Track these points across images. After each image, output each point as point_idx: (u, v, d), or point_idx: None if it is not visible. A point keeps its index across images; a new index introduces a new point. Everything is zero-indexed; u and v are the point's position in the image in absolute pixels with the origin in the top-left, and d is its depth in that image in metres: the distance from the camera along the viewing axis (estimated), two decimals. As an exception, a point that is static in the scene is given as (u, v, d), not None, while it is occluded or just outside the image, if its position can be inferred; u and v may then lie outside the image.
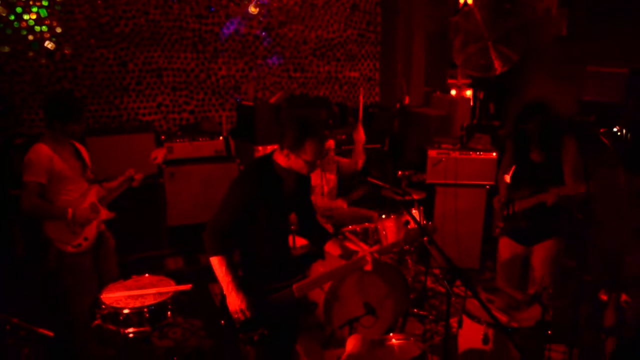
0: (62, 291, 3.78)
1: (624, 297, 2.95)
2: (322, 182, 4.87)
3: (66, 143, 3.81)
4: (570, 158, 3.75)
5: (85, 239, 3.76)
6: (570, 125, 4.12)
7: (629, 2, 5.51)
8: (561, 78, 6.35)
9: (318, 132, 2.80)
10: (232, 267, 2.88)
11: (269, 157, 2.96)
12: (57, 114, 3.67)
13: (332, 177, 4.94)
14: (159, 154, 4.16)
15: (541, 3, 6.47)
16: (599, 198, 3.58)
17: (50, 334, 2.67)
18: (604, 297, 3.02)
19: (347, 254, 3.10)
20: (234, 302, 2.85)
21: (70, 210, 3.66)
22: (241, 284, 2.89)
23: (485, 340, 3.17)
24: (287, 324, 3.11)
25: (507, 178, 3.93)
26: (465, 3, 6.83)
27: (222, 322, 2.97)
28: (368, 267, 3.02)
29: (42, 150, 3.64)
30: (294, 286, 2.96)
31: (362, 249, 3.11)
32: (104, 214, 3.87)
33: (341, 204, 5.00)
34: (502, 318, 3.23)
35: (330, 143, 4.84)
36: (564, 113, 5.72)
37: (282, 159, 2.89)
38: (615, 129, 4.53)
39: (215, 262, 2.85)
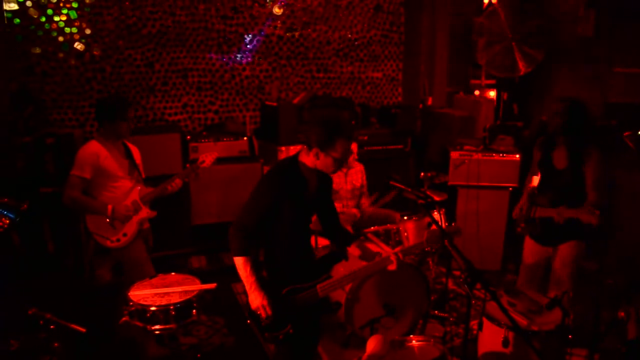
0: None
1: None
2: (347, 186, 4.91)
3: (118, 142, 3.98)
4: (593, 169, 3.69)
5: (125, 234, 3.90)
6: (592, 130, 4.08)
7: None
8: (586, 79, 6.29)
9: (347, 130, 2.85)
10: (255, 268, 2.93)
11: (294, 158, 3.01)
12: (105, 114, 3.86)
13: (357, 185, 4.98)
14: (207, 158, 4.14)
15: (567, 4, 6.42)
16: (622, 202, 3.54)
17: (83, 329, 2.75)
18: (622, 314, 3.00)
19: (369, 255, 3.14)
20: (255, 300, 2.91)
21: (110, 206, 3.82)
22: (264, 284, 2.94)
23: (505, 343, 3.19)
24: (310, 324, 3.16)
25: (536, 180, 3.91)
26: (490, 3, 6.80)
27: (248, 321, 3.03)
28: (392, 267, 3.06)
29: (91, 147, 3.84)
30: (318, 286, 3.00)
31: (386, 250, 3.15)
32: (145, 212, 3.99)
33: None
34: (522, 321, 3.24)
35: (354, 146, 4.87)
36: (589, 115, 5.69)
37: (309, 159, 2.94)
38: (640, 132, 4.48)
39: (240, 262, 2.91)
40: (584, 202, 3.63)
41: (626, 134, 4.13)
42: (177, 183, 4.04)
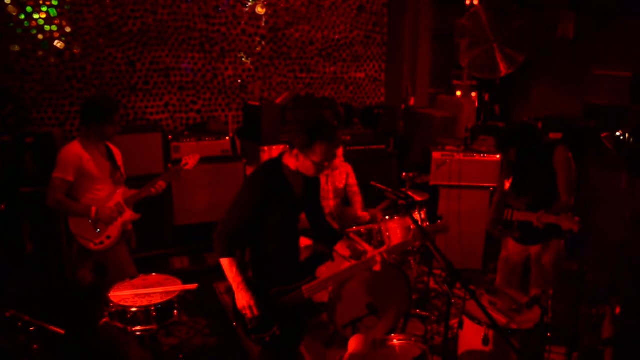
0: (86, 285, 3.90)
1: (618, 309, 2.98)
2: (329, 186, 4.92)
3: (100, 144, 3.93)
4: (563, 170, 3.73)
5: (108, 237, 3.87)
6: (572, 130, 4.13)
7: (636, 6, 5.53)
8: (567, 80, 6.38)
9: (328, 134, 2.83)
10: (242, 268, 2.93)
11: (278, 160, 3.01)
12: (94, 115, 3.79)
13: (340, 186, 5.00)
14: (190, 161, 4.11)
15: (548, 6, 6.50)
16: (600, 201, 3.59)
17: (61, 331, 2.73)
18: (594, 312, 3.04)
19: (356, 254, 3.15)
20: (242, 300, 2.91)
21: (94, 209, 3.78)
22: (252, 285, 2.94)
23: (485, 341, 3.22)
24: (295, 325, 3.16)
25: (507, 184, 3.95)
26: (472, 4, 6.85)
27: (235, 323, 3.02)
28: (377, 267, 3.07)
29: (73, 149, 3.78)
30: (304, 288, 3.01)
31: (371, 250, 3.16)
32: (129, 214, 3.96)
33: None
34: (502, 320, 3.28)
35: (340, 151, 4.89)
36: (568, 116, 5.77)
37: (291, 161, 2.94)
38: (618, 133, 4.55)
39: (226, 263, 2.90)
40: (557, 203, 3.68)
41: (604, 135, 4.20)
42: (160, 185, 4.01)
